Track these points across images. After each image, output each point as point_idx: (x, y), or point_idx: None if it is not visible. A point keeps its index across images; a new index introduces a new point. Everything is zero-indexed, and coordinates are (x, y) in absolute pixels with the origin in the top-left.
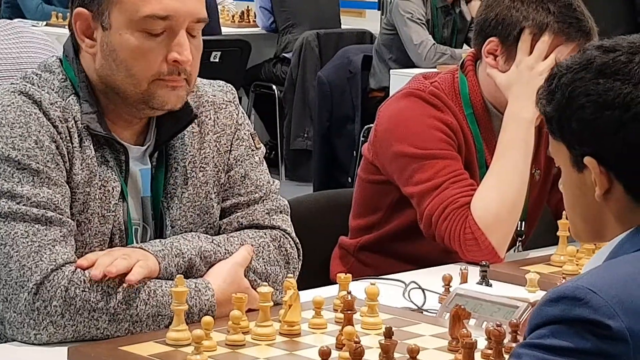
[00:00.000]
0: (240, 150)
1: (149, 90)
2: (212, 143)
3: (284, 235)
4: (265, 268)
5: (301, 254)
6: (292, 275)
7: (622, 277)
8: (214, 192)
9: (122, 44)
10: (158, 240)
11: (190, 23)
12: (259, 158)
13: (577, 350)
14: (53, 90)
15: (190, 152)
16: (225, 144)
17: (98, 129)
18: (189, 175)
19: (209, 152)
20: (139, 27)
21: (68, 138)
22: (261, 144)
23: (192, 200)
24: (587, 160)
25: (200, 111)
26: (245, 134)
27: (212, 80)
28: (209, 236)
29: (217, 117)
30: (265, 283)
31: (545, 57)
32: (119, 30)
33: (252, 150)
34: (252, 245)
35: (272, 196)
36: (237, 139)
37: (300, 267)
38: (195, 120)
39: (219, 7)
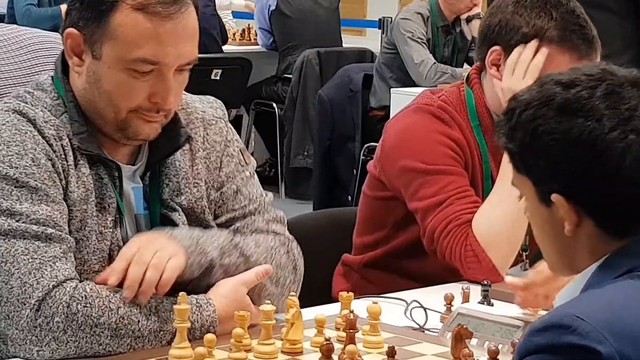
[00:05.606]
0: (231, 167)
1: (126, 119)
2: (202, 160)
3: (290, 241)
4: (276, 271)
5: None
6: (296, 283)
7: (607, 303)
8: (208, 208)
9: (109, 77)
10: (186, 229)
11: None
12: (250, 172)
13: None
14: (46, 108)
15: (182, 168)
16: (214, 161)
17: (89, 149)
18: (182, 191)
19: (200, 169)
20: (128, 66)
21: (63, 156)
22: (251, 158)
23: (189, 215)
24: (555, 197)
25: (190, 128)
26: (234, 150)
27: (201, 96)
28: (229, 234)
29: (207, 134)
30: (268, 300)
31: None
32: (108, 64)
33: (242, 166)
34: (264, 248)
35: (268, 207)
36: (226, 156)
37: (302, 279)
38: None
39: None
